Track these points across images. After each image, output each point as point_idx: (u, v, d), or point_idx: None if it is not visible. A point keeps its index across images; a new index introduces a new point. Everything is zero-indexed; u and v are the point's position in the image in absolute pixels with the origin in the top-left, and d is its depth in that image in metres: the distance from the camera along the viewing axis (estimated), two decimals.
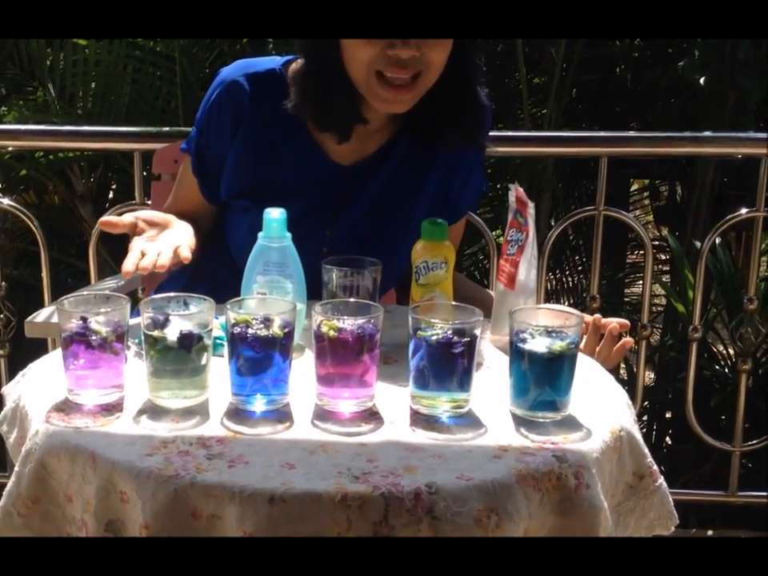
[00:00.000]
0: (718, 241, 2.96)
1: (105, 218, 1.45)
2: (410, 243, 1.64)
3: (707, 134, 2.56)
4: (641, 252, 3.86)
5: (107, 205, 3.55)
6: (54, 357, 1.31)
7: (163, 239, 1.45)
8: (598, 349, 1.46)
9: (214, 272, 1.67)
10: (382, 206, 1.63)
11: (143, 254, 1.36)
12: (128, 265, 1.33)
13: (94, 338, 1.18)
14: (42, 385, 1.26)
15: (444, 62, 1.50)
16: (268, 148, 1.60)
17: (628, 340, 1.47)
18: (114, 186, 3.80)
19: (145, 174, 2.40)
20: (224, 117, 1.60)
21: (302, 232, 1.40)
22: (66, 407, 1.19)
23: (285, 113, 1.56)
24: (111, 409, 1.19)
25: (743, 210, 2.34)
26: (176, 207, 1.71)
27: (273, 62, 1.61)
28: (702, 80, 3.08)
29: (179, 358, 1.18)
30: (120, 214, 2.31)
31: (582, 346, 1.44)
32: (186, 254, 1.40)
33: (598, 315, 1.47)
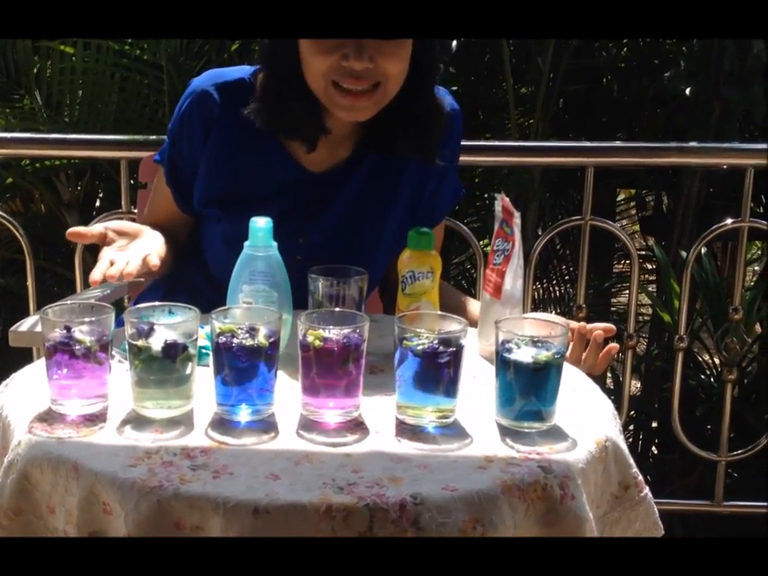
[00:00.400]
0: (703, 251, 2.97)
1: (73, 229, 1.44)
2: (384, 250, 1.65)
3: (693, 144, 2.57)
4: (627, 261, 3.87)
5: (94, 213, 3.53)
6: (38, 366, 1.31)
7: (132, 248, 1.45)
8: (583, 357, 1.46)
9: (191, 281, 1.67)
10: (356, 214, 1.63)
11: (112, 263, 1.36)
12: (95, 274, 1.33)
13: (77, 347, 1.18)
14: (25, 395, 1.25)
15: (403, 73, 1.50)
16: (239, 156, 1.61)
17: (613, 346, 1.47)
18: (100, 195, 3.78)
19: (132, 182, 2.39)
20: (195, 126, 1.61)
21: (275, 239, 1.40)
22: (49, 417, 1.18)
23: (254, 121, 1.57)
24: (95, 419, 1.18)
25: (728, 220, 2.35)
26: (152, 218, 1.71)
27: (242, 71, 1.62)
28: (687, 91, 3.09)
29: (164, 367, 1.18)
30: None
31: (567, 354, 1.44)
32: (155, 261, 1.39)
33: (583, 323, 1.47)
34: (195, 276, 1.68)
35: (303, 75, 1.50)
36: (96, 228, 1.46)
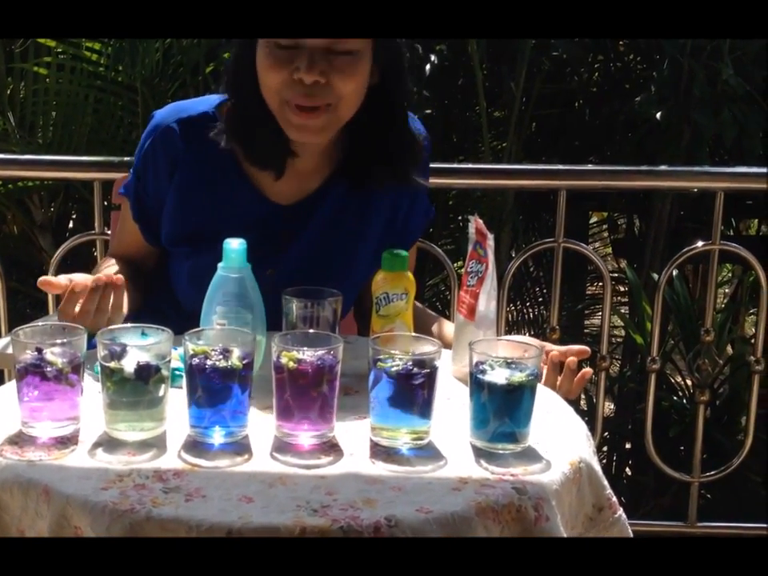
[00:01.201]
0: (675, 273, 3.00)
1: (44, 278, 1.42)
2: (356, 277, 1.63)
3: (663, 168, 2.61)
4: (600, 284, 3.89)
5: (67, 234, 3.52)
6: (8, 388, 1.29)
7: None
8: (558, 383, 1.46)
9: (158, 308, 1.63)
10: (324, 246, 1.61)
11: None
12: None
13: (48, 369, 1.17)
14: None
15: (356, 94, 1.49)
16: (205, 193, 1.59)
17: (587, 370, 1.48)
18: (73, 216, 3.76)
19: (105, 203, 2.38)
20: (159, 164, 1.59)
21: None
22: (19, 440, 1.17)
23: (219, 155, 1.56)
24: (66, 441, 1.17)
25: (699, 243, 2.38)
26: (119, 250, 1.70)
27: (206, 103, 1.60)
28: (658, 115, 3.13)
29: (136, 389, 1.17)
30: (80, 244, 2.30)
31: (543, 381, 1.45)
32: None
33: (555, 352, 1.48)
34: (163, 303, 1.65)
35: (261, 97, 1.49)
36: (62, 279, 1.42)
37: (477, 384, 1.19)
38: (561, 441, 1.23)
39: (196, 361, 1.16)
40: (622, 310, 3.89)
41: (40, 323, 1.32)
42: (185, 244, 1.61)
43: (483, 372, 1.19)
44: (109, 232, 2.10)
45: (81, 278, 1.41)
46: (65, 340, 1.20)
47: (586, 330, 4.11)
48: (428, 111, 3.40)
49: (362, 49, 1.47)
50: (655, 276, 2.96)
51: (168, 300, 1.65)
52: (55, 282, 1.41)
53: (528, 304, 4.05)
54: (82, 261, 3.30)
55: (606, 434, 3.42)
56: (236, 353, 1.17)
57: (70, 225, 3.74)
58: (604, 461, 3.49)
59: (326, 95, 1.46)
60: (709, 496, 3.16)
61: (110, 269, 1.62)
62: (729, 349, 3.40)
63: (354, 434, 1.22)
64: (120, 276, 1.42)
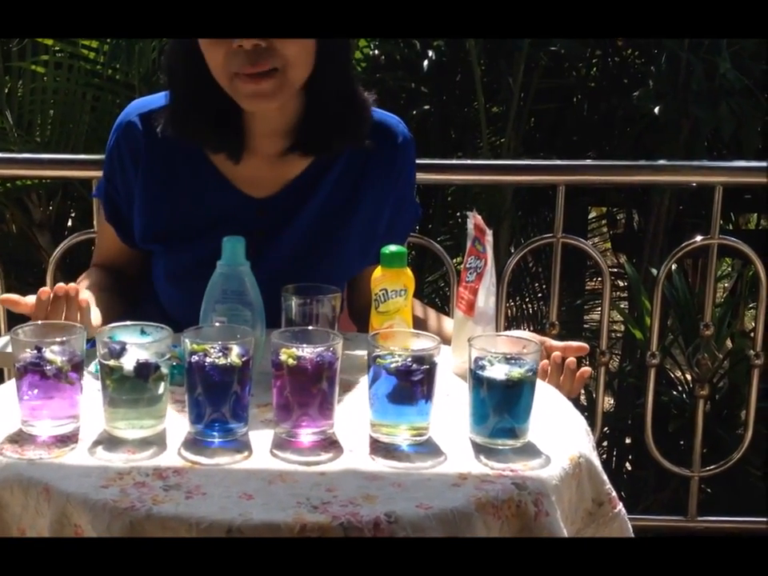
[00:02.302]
0: (674, 267, 2.99)
1: (6, 296, 1.40)
2: (336, 277, 1.57)
3: (662, 162, 2.60)
4: (599, 279, 3.90)
5: (66, 233, 3.52)
6: (8, 387, 1.29)
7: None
8: (560, 382, 1.47)
9: (146, 313, 1.55)
10: (305, 247, 1.58)
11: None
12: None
13: (48, 367, 1.17)
14: None
15: (303, 55, 1.45)
16: (172, 188, 1.56)
17: (586, 369, 1.48)
18: (72, 214, 3.76)
19: None
20: (125, 160, 1.57)
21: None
22: (19, 438, 1.17)
23: (186, 149, 1.54)
24: (66, 440, 1.17)
25: (698, 237, 2.37)
26: (101, 257, 1.68)
27: (167, 97, 1.56)
28: (656, 110, 3.12)
29: (136, 387, 1.17)
30: (79, 243, 2.30)
31: (546, 381, 1.45)
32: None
33: (557, 353, 1.48)
34: (150, 308, 1.61)
35: (211, 83, 1.46)
36: (30, 299, 1.39)
37: (476, 380, 1.20)
38: (560, 436, 1.23)
39: (195, 358, 1.16)
40: (622, 305, 3.89)
41: (40, 321, 1.32)
42: (157, 242, 1.58)
43: (482, 368, 1.19)
44: None
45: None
46: (64, 338, 1.20)
47: (585, 325, 4.11)
48: (426, 107, 3.40)
49: None
50: (654, 271, 2.95)
51: (158, 307, 1.62)
52: (21, 300, 1.39)
53: (527, 299, 4.05)
54: (80, 259, 3.30)
55: (606, 428, 3.42)
56: (235, 350, 1.17)
57: (69, 223, 3.74)
58: (604, 456, 3.49)
59: (269, 58, 1.42)
60: (709, 490, 3.16)
61: (83, 283, 1.59)
62: (728, 343, 3.40)
63: (353, 431, 1.22)
64: (74, 286, 1.38)
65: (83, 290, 1.45)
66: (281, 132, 1.54)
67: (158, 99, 1.58)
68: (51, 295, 1.36)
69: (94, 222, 2.30)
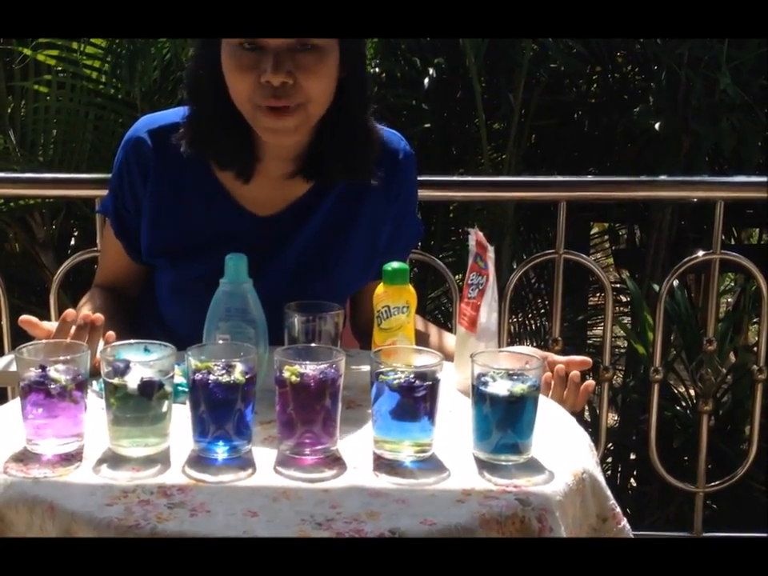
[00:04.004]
0: (676, 283, 3.00)
1: (27, 318, 1.39)
2: (334, 297, 1.56)
3: (663, 178, 2.60)
4: (602, 294, 3.90)
5: (69, 251, 3.52)
6: (13, 406, 1.30)
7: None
8: (564, 397, 1.47)
9: (150, 330, 1.59)
10: (306, 264, 1.59)
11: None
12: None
13: (53, 386, 1.17)
14: None
15: (325, 94, 1.47)
16: (179, 204, 1.58)
17: (589, 383, 1.48)
18: (75, 233, 3.77)
19: (106, 220, 2.39)
20: (134, 175, 1.58)
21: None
22: (24, 457, 1.18)
23: (192, 166, 1.55)
24: (70, 458, 1.17)
25: (700, 253, 2.38)
26: (105, 276, 1.69)
27: (177, 114, 1.58)
28: (657, 126, 3.14)
29: (140, 405, 1.17)
30: (82, 261, 2.30)
31: (549, 395, 1.45)
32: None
33: (560, 366, 1.48)
34: (152, 325, 1.63)
35: (228, 103, 1.48)
36: (46, 325, 1.39)
37: (479, 396, 1.20)
38: (564, 452, 1.23)
39: (199, 376, 1.16)
40: (624, 321, 3.89)
41: (44, 340, 1.32)
42: (163, 256, 1.59)
43: (485, 384, 1.19)
44: None
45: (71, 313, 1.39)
46: (68, 357, 1.20)
47: (588, 341, 4.11)
48: (427, 125, 3.41)
49: (327, 45, 1.45)
50: (656, 286, 2.96)
51: (156, 321, 1.63)
52: (40, 324, 1.39)
53: (530, 316, 4.06)
54: (84, 278, 3.30)
55: (611, 445, 3.41)
56: (239, 367, 1.17)
57: (72, 242, 3.75)
58: (608, 472, 3.48)
59: (294, 95, 1.44)
60: (714, 506, 3.16)
61: (87, 306, 1.59)
62: (732, 357, 3.40)
63: (357, 448, 1.22)
64: (99, 316, 1.39)
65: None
66: (290, 157, 1.57)
67: (166, 116, 1.60)
68: (77, 322, 1.36)
69: (98, 241, 2.31)
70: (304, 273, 1.60)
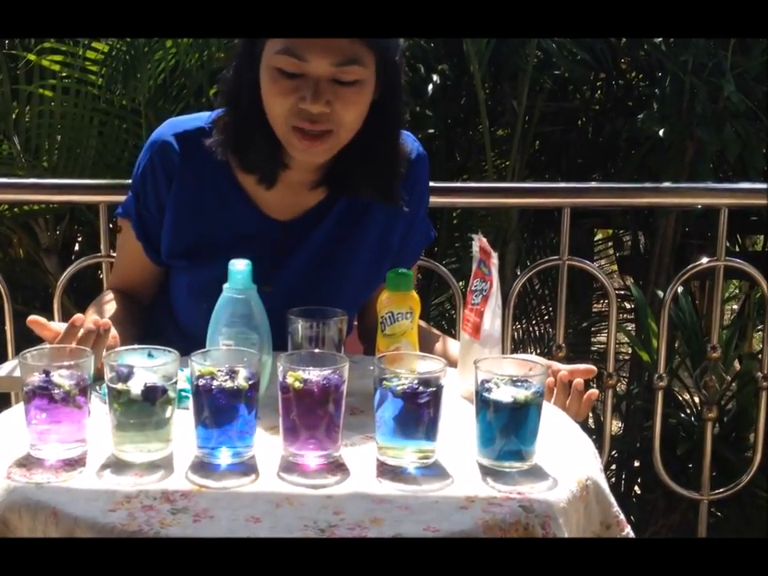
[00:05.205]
0: (680, 290, 2.99)
1: (35, 318, 1.38)
2: (350, 296, 1.64)
3: (667, 184, 2.61)
4: (606, 301, 3.90)
5: (73, 257, 3.53)
6: (16, 411, 1.30)
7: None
8: (567, 404, 1.46)
9: (164, 333, 1.62)
10: (320, 263, 1.63)
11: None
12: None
13: (56, 391, 1.17)
14: (2, 440, 1.24)
15: (357, 121, 1.51)
16: (200, 206, 1.60)
17: (593, 392, 1.48)
18: (79, 239, 3.78)
19: (110, 226, 2.39)
20: (159, 178, 1.60)
21: None
22: (27, 462, 1.18)
23: (216, 169, 1.58)
24: (74, 463, 1.17)
25: (704, 259, 2.38)
26: (120, 278, 1.70)
27: (201, 119, 1.62)
28: (661, 132, 3.13)
29: (143, 411, 1.17)
30: (86, 267, 2.30)
31: (552, 401, 1.45)
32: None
33: (563, 372, 1.48)
34: (168, 327, 1.65)
35: (264, 114, 1.51)
36: (55, 326, 1.38)
37: (482, 402, 1.19)
38: (568, 459, 1.23)
39: (203, 382, 1.16)
40: (628, 328, 3.88)
41: (48, 346, 1.32)
42: (183, 258, 1.62)
43: (489, 390, 1.19)
44: (114, 254, 2.10)
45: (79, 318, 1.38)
46: (72, 362, 1.20)
47: (592, 348, 4.10)
48: (431, 131, 3.41)
49: (366, 78, 1.49)
50: (661, 293, 2.95)
51: (175, 326, 1.65)
52: (48, 325, 1.38)
53: (534, 322, 4.05)
54: (87, 283, 3.31)
55: (614, 452, 3.40)
56: (242, 373, 1.17)
57: (76, 248, 3.76)
58: (613, 479, 3.48)
59: (329, 122, 1.48)
60: (719, 514, 3.15)
61: (95, 309, 1.60)
62: (736, 365, 3.39)
63: (360, 454, 1.22)
64: (107, 321, 1.39)
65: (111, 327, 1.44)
66: (314, 169, 1.60)
67: (191, 121, 1.63)
68: (85, 326, 1.35)
69: (101, 247, 2.31)
70: (319, 275, 1.63)
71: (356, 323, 1.79)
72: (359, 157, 1.57)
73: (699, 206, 2.93)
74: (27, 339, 1.42)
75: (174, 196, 1.60)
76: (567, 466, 1.20)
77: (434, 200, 1.94)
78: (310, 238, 1.62)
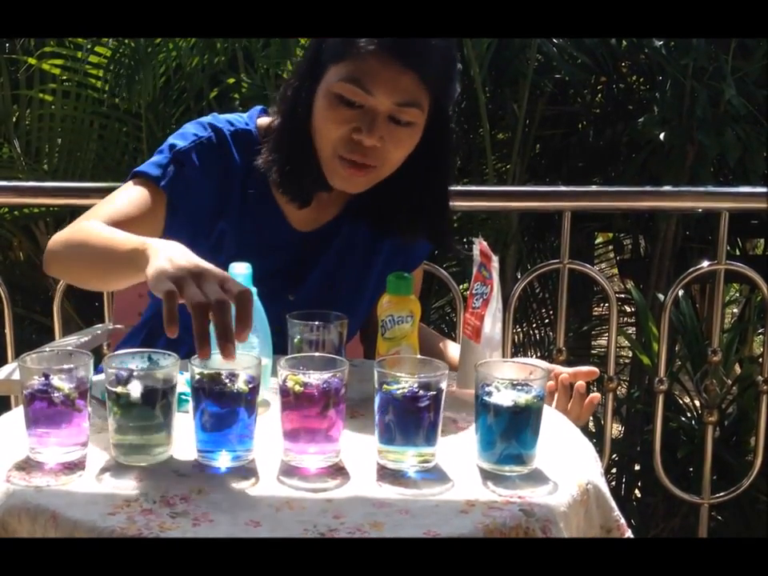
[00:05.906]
0: (681, 293, 2.99)
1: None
2: (365, 301, 1.67)
3: (667, 188, 2.61)
4: (606, 305, 3.90)
5: None
6: (16, 414, 1.29)
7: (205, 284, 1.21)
8: (568, 408, 1.46)
9: (183, 339, 1.61)
10: (340, 272, 1.65)
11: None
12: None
13: (56, 395, 1.17)
14: (2, 443, 1.24)
15: (400, 161, 1.53)
16: (237, 207, 1.60)
17: (595, 395, 1.47)
18: None
19: None
20: (213, 162, 1.57)
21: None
22: (27, 466, 1.17)
23: (256, 174, 1.57)
24: (73, 467, 1.17)
25: (705, 263, 2.38)
26: (106, 217, 1.52)
27: (243, 121, 1.62)
28: (661, 136, 3.14)
29: (143, 414, 1.17)
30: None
31: (554, 405, 1.45)
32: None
33: (565, 375, 1.48)
34: (184, 332, 1.63)
35: (311, 137, 1.52)
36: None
37: (483, 406, 1.19)
38: (568, 462, 1.23)
39: (202, 385, 1.16)
40: (629, 331, 3.89)
41: (47, 349, 1.32)
42: (207, 252, 1.58)
43: (489, 394, 1.19)
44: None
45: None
46: (72, 366, 1.20)
47: (593, 351, 4.11)
48: None
49: (420, 122, 1.50)
50: (661, 296, 2.95)
51: (181, 323, 1.62)
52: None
53: (534, 325, 4.05)
54: None
55: (615, 455, 3.40)
56: (242, 377, 1.17)
57: None
58: (613, 483, 3.47)
59: (376, 158, 1.49)
60: (720, 518, 3.14)
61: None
62: (737, 368, 3.39)
63: (360, 457, 1.21)
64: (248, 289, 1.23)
65: None
66: (347, 194, 1.62)
67: (240, 121, 1.62)
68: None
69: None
70: (338, 283, 1.65)
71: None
72: (404, 198, 1.58)
73: (700, 210, 2.93)
74: (27, 342, 1.42)
75: (218, 190, 1.57)
76: (568, 470, 1.20)
77: None
78: (329, 249, 1.65)
